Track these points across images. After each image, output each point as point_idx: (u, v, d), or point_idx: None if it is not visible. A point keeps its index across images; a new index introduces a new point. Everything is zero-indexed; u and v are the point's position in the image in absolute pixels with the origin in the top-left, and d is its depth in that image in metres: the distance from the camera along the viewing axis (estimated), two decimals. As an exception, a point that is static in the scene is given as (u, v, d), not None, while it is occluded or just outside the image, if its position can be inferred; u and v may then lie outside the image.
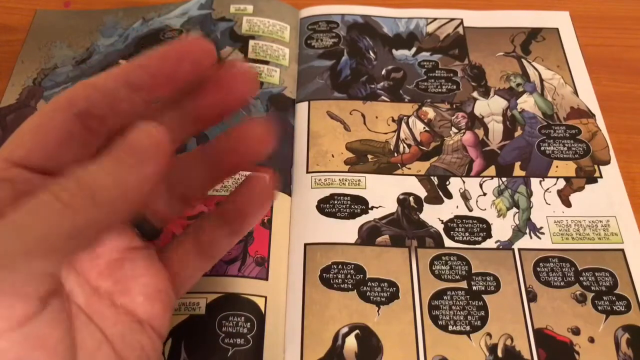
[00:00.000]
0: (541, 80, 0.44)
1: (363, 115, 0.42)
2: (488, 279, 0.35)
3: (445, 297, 0.34)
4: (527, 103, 0.42)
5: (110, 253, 0.24)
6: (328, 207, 0.37)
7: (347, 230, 0.37)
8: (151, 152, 0.19)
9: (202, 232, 0.26)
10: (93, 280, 0.23)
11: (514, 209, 0.38)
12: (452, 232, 0.37)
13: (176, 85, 0.22)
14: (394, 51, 0.45)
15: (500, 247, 0.36)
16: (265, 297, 0.33)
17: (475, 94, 0.43)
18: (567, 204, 0.38)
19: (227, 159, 0.24)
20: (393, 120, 0.42)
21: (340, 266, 0.35)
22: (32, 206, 0.17)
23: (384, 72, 0.44)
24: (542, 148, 0.40)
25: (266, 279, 0.34)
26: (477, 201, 0.38)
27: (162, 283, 0.25)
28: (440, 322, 0.33)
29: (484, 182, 0.39)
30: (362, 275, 0.35)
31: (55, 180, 0.18)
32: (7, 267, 0.17)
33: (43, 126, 0.21)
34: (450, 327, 0.33)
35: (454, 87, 0.43)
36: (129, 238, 0.25)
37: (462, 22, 0.47)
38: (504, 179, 0.39)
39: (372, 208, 0.37)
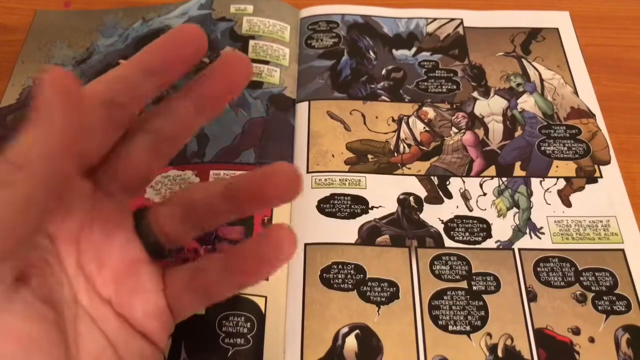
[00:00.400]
0: (541, 80, 0.44)
1: (363, 115, 0.42)
2: (488, 279, 0.35)
3: (445, 297, 0.34)
4: (527, 103, 0.42)
5: (116, 263, 0.24)
6: (328, 207, 0.37)
7: (347, 230, 0.36)
8: (56, 101, 0.18)
9: (202, 274, 0.24)
10: (98, 286, 0.23)
11: (514, 209, 0.38)
12: (452, 232, 0.37)
13: (185, 67, 0.23)
14: (394, 51, 0.45)
15: (501, 247, 0.36)
16: (265, 297, 0.33)
17: (475, 94, 0.43)
18: (567, 204, 0.38)
19: (250, 201, 0.23)
20: (393, 120, 0.42)
21: (340, 266, 0.35)
22: None
23: (384, 72, 0.44)
24: (542, 148, 0.40)
25: (266, 279, 0.34)
26: (477, 201, 0.38)
27: (162, 303, 0.24)
28: (440, 322, 0.33)
29: (484, 182, 0.39)
30: (362, 275, 0.35)
31: None
32: None
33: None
34: (450, 327, 0.33)
35: (454, 87, 0.43)
36: (137, 250, 0.24)
37: (462, 22, 0.47)
38: (504, 179, 0.39)
39: (372, 208, 0.37)
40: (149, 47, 0.23)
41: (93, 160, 0.23)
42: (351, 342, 0.33)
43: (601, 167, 0.39)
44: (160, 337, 0.25)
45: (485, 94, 0.43)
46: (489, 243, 0.36)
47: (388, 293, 0.34)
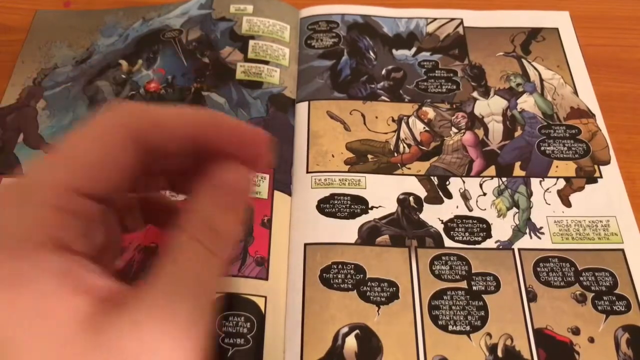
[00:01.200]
0: (541, 80, 0.44)
1: (363, 115, 0.42)
2: (488, 279, 0.35)
3: (445, 297, 0.34)
4: (527, 103, 0.42)
5: None
6: (328, 207, 0.37)
7: (347, 230, 0.36)
8: (246, 192, 0.20)
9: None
10: None
11: (514, 209, 0.38)
12: (452, 232, 0.37)
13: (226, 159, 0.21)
14: (394, 51, 0.45)
15: (500, 247, 0.36)
16: (265, 297, 0.33)
17: (475, 94, 0.43)
18: (567, 204, 0.38)
19: (214, 155, 0.23)
20: (393, 120, 0.42)
21: (340, 266, 0.35)
22: (185, 258, 0.18)
23: (384, 72, 0.44)
24: (542, 148, 0.40)
25: (266, 279, 0.34)
26: (477, 201, 0.38)
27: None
28: (440, 322, 0.33)
29: (484, 182, 0.39)
30: (362, 275, 0.35)
31: (191, 225, 0.19)
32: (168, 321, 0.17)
33: (108, 160, 0.19)
34: (450, 327, 0.33)
35: (454, 87, 0.43)
36: None
37: (462, 22, 0.47)
38: (504, 179, 0.39)
39: (372, 208, 0.37)
40: (218, 120, 0.21)
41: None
42: (351, 342, 0.33)
43: (601, 167, 0.39)
44: None
45: (485, 94, 0.43)
46: (489, 243, 0.36)
47: (388, 293, 0.34)
